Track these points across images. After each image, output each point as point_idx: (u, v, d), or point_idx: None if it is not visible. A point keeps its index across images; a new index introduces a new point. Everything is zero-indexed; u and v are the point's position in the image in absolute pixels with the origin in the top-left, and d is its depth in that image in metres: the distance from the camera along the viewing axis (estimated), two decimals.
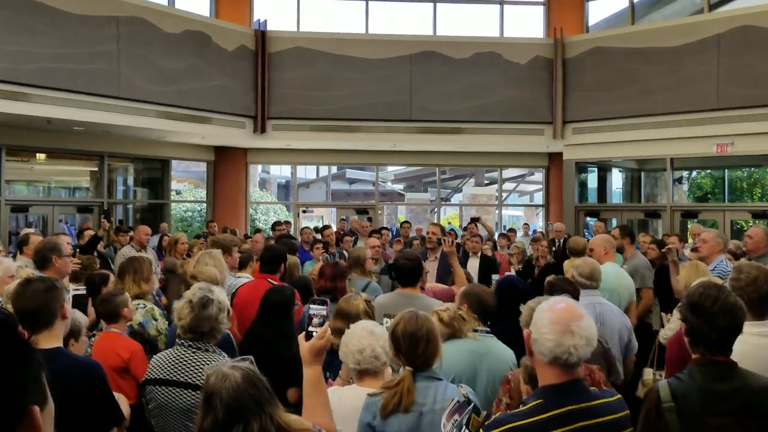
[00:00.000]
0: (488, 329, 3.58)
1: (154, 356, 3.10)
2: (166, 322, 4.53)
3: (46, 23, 9.74)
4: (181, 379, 2.89)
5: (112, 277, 4.72)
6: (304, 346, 2.44)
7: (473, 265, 7.69)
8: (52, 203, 12.81)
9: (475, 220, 11.16)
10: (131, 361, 3.82)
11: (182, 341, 2.99)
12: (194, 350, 2.96)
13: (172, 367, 2.95)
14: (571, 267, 4.69)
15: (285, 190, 24.69)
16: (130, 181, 15.11)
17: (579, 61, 12.96)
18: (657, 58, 11.95)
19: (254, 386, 1.94)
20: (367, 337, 2.73)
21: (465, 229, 10.91)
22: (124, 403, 3.37)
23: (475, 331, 3.47)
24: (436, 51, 13.12)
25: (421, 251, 7.10)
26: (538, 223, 18.86)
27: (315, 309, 2.50)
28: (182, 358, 2.96)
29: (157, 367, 3.00)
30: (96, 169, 13.13)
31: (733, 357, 2.45)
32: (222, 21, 12.94)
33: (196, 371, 2.88)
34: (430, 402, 2.55)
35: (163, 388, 2.93)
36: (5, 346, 1.01)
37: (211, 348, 3.00)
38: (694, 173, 15.66)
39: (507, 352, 3.48)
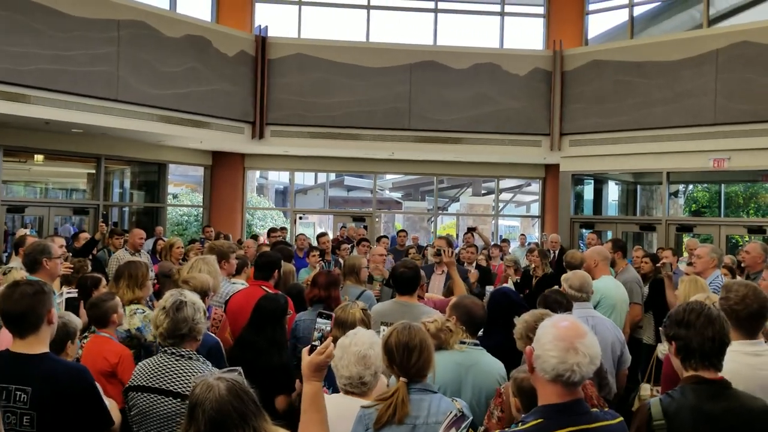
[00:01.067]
0: (477, 341, 3.56)
1: (138, 364, 3.10)
2: None
3: (46, 25, 9.75)
4: (163, 387, 2.88)
5: (103, 281, 4.71)
6: (305, 360, 2.42)
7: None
8: (49, 204, 12.79)
9: (471, 230, 11.17)
10: (119, 365, 3.81)
11: (164, 348, 3.00)
12: (177, 357, 2.96)
13: (154, 374, 2.94)
14: (562, 280, 4.70)
15: (282, 196, 24.69)
16: (127, 183, 15.10)
17: (578, 73, 13.01)
18: (655, 72, 12.00)
19: (239, 398, 1.93)
20: (356, 365, 2.71)
21: (470, 237, 10.91)
22: (114, 408, 3.36)
23: (463, 343, 3.46)
24: (436, 61, 13.16)
25: (425, 265, 7.08)
26: (534, 234, 18.89)
27: (320, 323, 2.49)
28: (164, 365, 2.96)
29: (140, 374, 2.99)
30: (93, 171, 13.12)
31: (725, 376, 2.45)
32: (223, 26, 12.95)
33: (177, 379, 2.89)
34: (424, 415, 2.53)
35: (145, 394, 2.92)
36: None
37: (194, 356, 3.00)
38: (690, 187, 15.68)
39: (495, 365, 3.46)
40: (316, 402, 2.42)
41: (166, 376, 2.90)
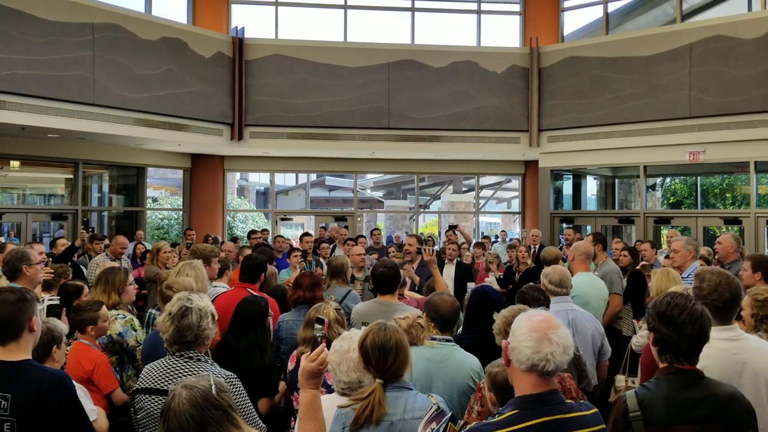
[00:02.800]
0: (450, 337, 3.59)
1: (146, 366, 3.07)
2: (145, 333, 4.51)
3: (20, 29, 9.64)
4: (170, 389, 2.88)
5: (86, 289, 4.68)
6: (300, 368, 2.42)
7: (449, 272, 7.74)
8: (26, 210, 12.65)
9: (453, 228, 11.22)
10: (93, 372, 3.80)
11: (172, 351, 2.99)
12: (186, 360, 2.96)
13: (162, 376, 2.94)
14: (542, 275, 4.75)
15: (264, 197, 24.62)
16: (106, 188, 14.96)
17: (554, 70, 13.12)
18: (630, 67, 12.14)
19: (198, 407, 1.94)
20: (356, 371, 2.71)
21: (451, 234, 10.96)
22: (102, 416, 3.35)
23: (434, 339, 3.48)
24: (414, 59, 13.20)
25: (401, 262, 7.12)
26: (515, 230, 19.01)
27: (315, 329, 2.48)
28: (172, 367, 2.95)
29: (148, 377, 2.99)
30: (71, 176, 12.99)
31: (701, 361, 2.48)
32: (199, 28, 12.87)
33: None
34: (400, 412, 2.54)
35: (153, 397, 2.92)
36: None
37: (203, 357, 2.99)
38: (668, 180, 15.88)
39: (468, 360, 3.48)
40: (312, 410, 2.40)
41: (174, 378, 2.89)
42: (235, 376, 3.00)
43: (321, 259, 9.04)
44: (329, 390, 3.23)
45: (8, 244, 5.89)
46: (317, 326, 2.48)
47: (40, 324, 2.84)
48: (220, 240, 11.88)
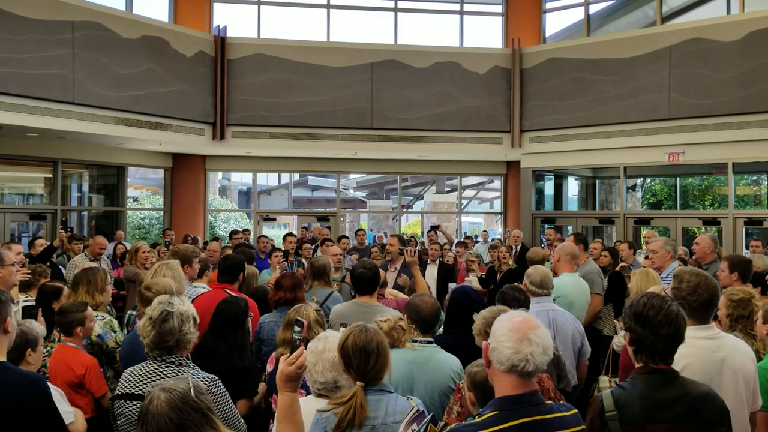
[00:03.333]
0: (431, 339, 3.59)
1: (126, 371, 3.02)
2: (124, 335, 4.47)
3: None
4: None
5: (65, 291, 4.63)
6: (278, 370, 2.41)
7: (431, 273, 7.76)
8: (4, 210, 12.48)
9: (435, 228, 11.24)
10: (86, 376, 3.77)
11: (153, 356, 2.95)
12: (167, 364, 2.92)
13: (142, 381, 2.90)
14: (524, 275, 4.77)
15: (246, 197, 24.50)
16: (85, 187, 14.81)
17: (536, 71, 13.19)
18: (611, 68, 12.24)
19: (177, 410, 1.92)
20: (331, 371, 2.71)
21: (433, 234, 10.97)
22: (80, 418, 3.31)
23: (415, 341, 3.49)
24: (397, 60, 13.21)
25: (383, 263, 7.13)
26: (498, 230, 19.08)
27: (295, 331, 2.47)
28: (153, 372, 2.91)
29: (128, 382, 2.94)
30: (50, 175, 12.84)
31: (681, 360, 2.52)
32: (180, 26, 12.78)
33: None
34: (381, 415, 2.54)
35: (134, 402, 2.88)
36: None
37: (184, 361, 2.96)
38: (648, 181, 16.03)
39: (449, 361, 3.48)
40: (290, 413, 2.39)
41: (155, 383, 2.83)
42: (217, 378, 2.97)
43: (303, 260, 9.02)
44: (308, 393, 3.22)
45: None
46: (296, 329, 2.46)
47: (14, 326, 2.80)
48: (200, 240, 11.81)
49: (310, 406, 2.67)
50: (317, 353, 2.73)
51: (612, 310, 6.64)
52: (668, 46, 11.64)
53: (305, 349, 2.53)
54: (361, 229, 11.54)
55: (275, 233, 17.81)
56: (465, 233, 15.79)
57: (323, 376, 2.71)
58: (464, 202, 17.29)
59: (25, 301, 4.53)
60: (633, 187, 14.92)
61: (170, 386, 1.97)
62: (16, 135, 11.08)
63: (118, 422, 2.94)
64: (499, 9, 14.67)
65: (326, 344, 2.74)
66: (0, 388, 2.57)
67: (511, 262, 8.33)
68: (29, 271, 5.31)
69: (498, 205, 18.70)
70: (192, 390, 1.99)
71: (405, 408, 2.55)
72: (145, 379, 2.91)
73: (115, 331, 4.38)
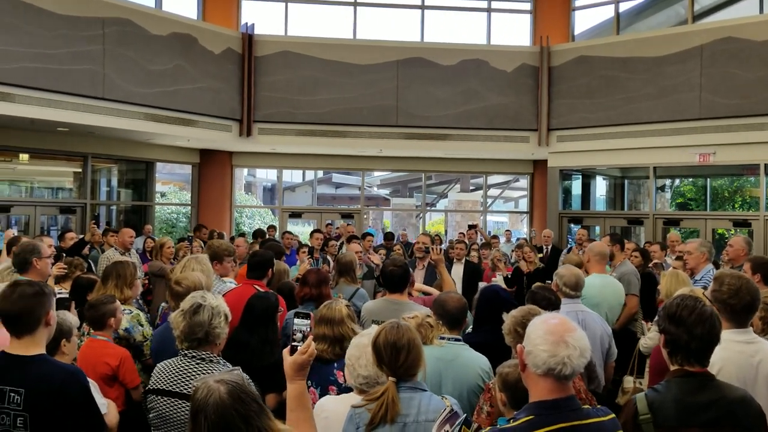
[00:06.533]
0: (459, 337, 3.58)
1: (158, 365, 3.04)
2: (151, 328, 4.51)
3: (31, 23, 9.66)
4: (183, 391, 2.85)
5: (98, 283, 4.69)
6: (287, 361, 2.43)
7: (457, 271, 7.73)
8: (35, 204, 12.69)
9: (473, 227, 11.21)
10: (120, 368, 3.81)
11: (184, 351, 2.96)
12: (197, 361, 2.93)
13: (173, 377, 2.92)
14: (554, 275, 4.73)
15: (270, 193, 24.66)
16: (114, 182, 15.01)
17: (564, 69, 13.07)
18: (641, 67, 12.09)
19: (240, 401, 1.91)
20: (375, 366, 2.70)
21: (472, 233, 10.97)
22: (113, 409, 3.35)
23: (443, 338, 3.47)
24: (423, 57, 13.18)
25: (410, 260, 7.12)
26: (523, 230, 18.97)
27: (298, 323, 2.49)
28: (184, 368, 2.92)
29: (159, 377, 2.96)
30: (80, 169, 13.03)
31: (716, 363, 2.50)
32: (209, 24, 12.89)
33: None
34: (414, 413, 2.53)
35: (165, 398, 2.90)
36: None
37: (214, 358, 2.97)
38: (677, 181, 15.81)
39: (477, 360, 3.47)
40: (302, 401, 2.43)
41: (186, 380, 2.87)
42: (240, 369, 2.99)
43: (328, 257, 9.04)
44: (341, 390, 3.23)
45: (21, 236, 5.90)
46: (304, 321, 2.48)
47: (56, 318, 2.84)
48: (226, 236, 11.86)
49: (345, 403, 2.68)
50: (361, 347, 2.74)
51: (641, 311, 6.55)
52: (699, 45, 11.47)
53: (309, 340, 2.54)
54: (390, 232, 11.55)
55: (299, 230, 17.87)
56: (490, 232, 15.70)
57: (366, 370, 2.72)
58: (489, 200, 17.18)
59: (59, 293, 4.58)
60: (662, 188, 14.72)
61: (226, 378, 1.96)
62: (47, 130, 11.25)
63: (150, 416, 2.97)
64: (527, 6, 14.57)
65: (370, 339, 2.75)
66: (40, 379, 2.61)
67: (537, 261, 8.26)
68: (65, 267, 5.38)
69: (523, 204, 18.60)
70: (246, 380, 2.00)
71: (438, 407, 2.54)
72: (176, 376, 2.92)
73: (142, 325, 4.41)
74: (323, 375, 3.38)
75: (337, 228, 12.80)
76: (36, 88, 9.78)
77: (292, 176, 24.74)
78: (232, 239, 9.93)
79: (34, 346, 2.70)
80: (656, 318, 2.68)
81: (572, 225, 13.85)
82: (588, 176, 14.99)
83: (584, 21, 14.44)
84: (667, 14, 14.03)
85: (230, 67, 12.67)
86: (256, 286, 4.81)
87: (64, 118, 10.29)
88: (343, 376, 3.17)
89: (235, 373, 2.06)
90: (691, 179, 15.72)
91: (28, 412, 2.59)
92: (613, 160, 13.01)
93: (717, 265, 6.40)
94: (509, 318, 3.41)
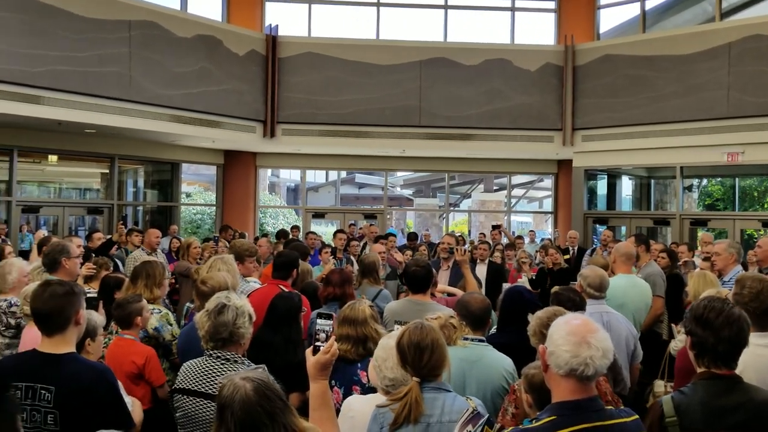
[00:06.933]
0: (482, 338, 3.57)
1: (184, 365, 3.07)
2: (180, 327, 4.56)
3: (58, 26, 9.82)
4: (208, 391, 2.88)
5: (126, 282, 4.75)
6: (311, 360, 2.46)
7: (480, 272, 7.70)
8: (63, 204, 12.90)
9: (497, 227, 11.17)
10: (146, 366, 3.85)
11: (209, 352, 2.99)
12: (222, 361, 2.95)
13: (199, 377, 2.94)
14: (579, 276, 4.69)
15: (294, 194, 24.77)
16: (140, 183, 15.21)
17: (589, 68, 12.95)
18: (668, 65, 11.94)
19: (266, 398, 1.93)
20: (401, 369, 2.71)
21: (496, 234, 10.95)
22: (138, 407, 3.39)
23: (466, 339, 3.47)
24: (447, 57, 13.15)
25: (434, 260, 7.11)
26: (547, 230, 18.84)
27: (320, 324, 2.51)
28: (209, 368, 2.95)
29: (185, 377, 2.99)
30: (107, 170, 13.22)
31: (738, 366, 2.45)
32: (233, 26, 13.00)
33: None
34: (437, 414, 2.53)
35: (191, 398, 2.93)
36: None
37: (239, 359, 2.98)
38: (704, 181, 15.60)
39: (501, 361, 3.45)
40: (325, 400, 2.46)
41: (211, 380, 2.89)
42: (264, 367, 3.01)
43: (351, 257, 9.05)
44: (364, 389, 3.23)
45: (52, 236, 6.01)
46: (327, 321, 2.51)
47: (85, 318, 2.89)
48: (247, 236, 11.93)
49: (370, 403, 2.70)
50: (388, 349, 2.74)
51: (666, 312, 6.47)
52: (727, 42, 11.29)
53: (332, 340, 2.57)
54: (413, 233, 11.54)
55: (322, 230, 17.95)
56: (514, 232, 15.63)
57: (393, 373, 2.71)
58: (513, 200, 17.09)
59: (87, 292, 4.65)
60: (689, 188, 14.53)
61: (251, 375, 1.98)
62: (75, 131, 11.42)
63: (177, 415, 3.00)
64: (552, 5, 14.47)
65: (392, 345, 2.75)
66: (69, 378, 2.65)
67: (562, 261, 8.21)
68: (94, 267, 5.47)
69: (547, 205, 18.47)
70: (270, 378, 2.03)
71: (462, 408, 2.53)
72: (202, 376, 2.95)
73: (170, 324, 4.46)
74: (347, 375, 3.39)
75: (360, 228, 12.81)
76: (64, 91, 9.94)
77: (315, 176, 24.84)
78: (256, 239, 9.99)
79: (65, 345, 2.74)
80: (683, 319, 2.66)
81: (597, 225, 13.73)
82: (613, 176, 14.85)
83: (609, 19, 14.32)
84: (694, 12, 13.85)
85: (254, 68, 12.76)
86: (281, 286, 4.84)
87: (92, 120, 10.44)
88: (367, 376, 3.18)
89: (259, 371, 2.09)
90: (719, 179, 15.51)
91: (58, 410, 2.63)
92: (639, 159, 12.86)
93: (746, 267, 6.32)
94: (534, 319, 3.39)
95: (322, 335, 2.50)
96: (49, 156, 12.52)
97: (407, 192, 26.98)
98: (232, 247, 5.56)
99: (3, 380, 1.07)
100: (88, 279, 5.36)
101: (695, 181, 15.06)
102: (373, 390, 2.95)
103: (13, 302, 4.31)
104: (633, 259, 5.95)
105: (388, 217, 16.72)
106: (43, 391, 2.64)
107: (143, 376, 3.86)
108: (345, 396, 3.22)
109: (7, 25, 9.28)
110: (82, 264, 5.28)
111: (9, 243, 7.56)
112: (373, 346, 3.15)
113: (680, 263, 7.08)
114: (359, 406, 2.82)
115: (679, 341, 4.74)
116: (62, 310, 2.72)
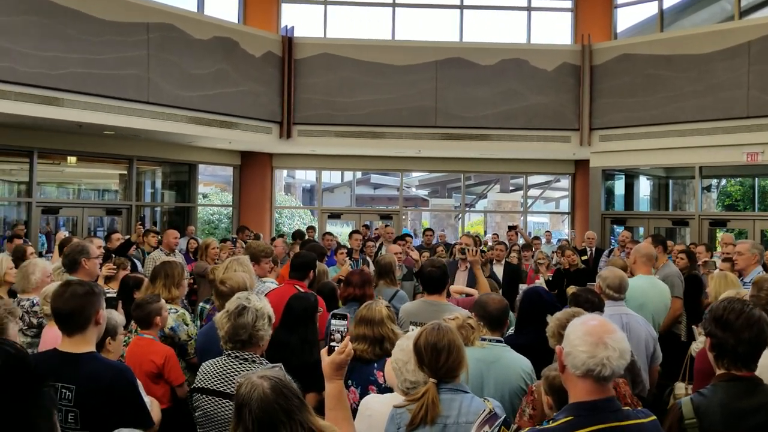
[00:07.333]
0: (500, 338, 3.56)
1: (203, 364, 3.10)
2: (196, 327, 4.59)
3: (77, 29, 9.93)
4: (227, 390, 2.90)
5: (146, 282, 4.80)
6: (326, 360, 2.48)
7: (497, 272, 7.68)
8: (82, 205, 13.03)
9: (513, 228, 11.13)
10: (165, 365, 3.88)
11: (228, 352, 3.01)
12: (241, 361, 2.97)
13: (218, 377, 2.97)
14: (597, 277, 4.65)
15: (310, 194, 24.84)
16: (158, 184, 15.32)
17: (607, 67, 12.87)
18: (686, 65, 11.83)
19: (283, 396, 1.95)
20: (420, 371, 2.70)
21: (512, 234, 10.92)
22: (155, 407, 3.42)
23: (484, 339, 3.46)
24: (462, 57, 13.12)
25: (450, 261, 7.09)
26: (564, 231, 18.74)
27: (335, 324, 2.52)
28: (228, 368, 2.97)
29: (204, 376, 3.01)
30: (125, 172, 13.33)
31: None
32: (250, 27, 13.07)
33: None
34: (454, 414, 2.53)
35: (210, 397, 2.95)
36: (16, 388, 1.02)
37: (257, 359, 3.01)
38: (723, 181, 15.44)
39: (520, 362, 3.44)
40: (341, 400, 2.49)
41: (230, 380, 2.91)
42: (281, 366, 3.02)
43: (367, 257, 9.05)
44: (380, 389, 3.24)
45: (73, 237, 6.08)
46: (341, 322, 2.52)
47: (105, 317, 2.92)
48: (262, 237, 11.96)
49: (386, 404, 2.70)
50: (408, 351, 2.72)
51: (685, 314, 6.41)
52: (747, 41, 11.18)
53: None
54: (430, 229, 11.51)
55: (338, 230, 18.00)
56: (530, 233, 15.56)
57: (414, 375, 2.70)
58: (529, 201, 17.01)
59: (107, 293, 4.70)
60: (708, 188, 14.38)
61: (268, 374, 2.00)
62: (94, 133, 11.53)
63: (196, 414, 3.02)
64: (568, 4, 14.40)
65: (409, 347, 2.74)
66: (90, 377, 2.69)
67: (580, 263, 8.16)
68: (114, 267, 5.52)
69: (564, 205, 18.37)
70: (287, 377, 2.05)
71: (479, 409, 2.53)
72: (221, 375, 2.97)
73: (187, 324, 4.49)
74: (363, 375, 3.39)
75: (376, 229, 12.83)
76: (84, 93, 10.05)
77: (330, 177, 24.89)
78: (272, 240, 10.03)
79: (85, 344, 2.77)
80: (702, 320, 2.64)
81: (615, 226, 13.63)
82: (631, 176, 14.74)
83: (627, 18, 14.22)
84: (712, 10, 13.72)
85: (270, 70, 12.81)
86: (297, 287, 4.86)
87: (111, 122, 10.55)
88: (383, 376, 3.19)
89: (276, 369, 2.11)
90: (738, 179, 15.34)
91: (78, 408, 2.66)
92: (658, 159, 12.75)
93: (766, 268, 6.24)
94: (553, 320, 3.37)
95: (337, 335, 2.52)
96: (69, 157, 12.64)
97: (423, 192, 26.96)
98: (247, 248, 5.59)
99: (40, 376, 1.09)
100: (107, 279, 5.42)
101: (714, 182, 14.91)
102: (389, 390, 2.95)
103: (35, 302, 4.36)
104: (653, 259, 5.90)
105: (404, 217, 16.71)
106: (64, 390, 2.67)
107: (162, 376, 3.89)
108: (362, 396, 3.23)
109: (27, 29, 9.40)
110: (102, 264, 5.33)
111: (30, 244, 7.64)
112: (389, 346, 3.16)
113: (699, 264, 7.00)
114: (377, 406, 2.82)
115: (700, 343, 4.69)
116: (82, 309, 2.75)
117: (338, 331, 2.52)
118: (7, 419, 0.99)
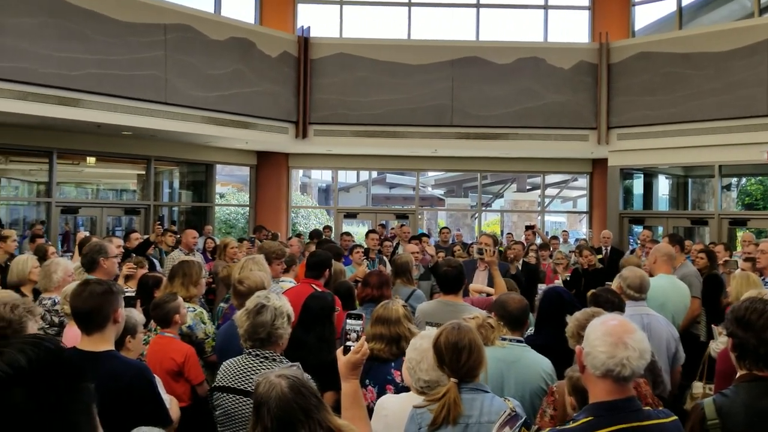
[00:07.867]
0: (521, 338, 3.54)
1: (224, 363, 3.11)
2: (214, 326, 4.61)
3: (95, 30, 10.01)
4: (247, 388, 2.90)
5: (164, 281, 4.83)
6: (342, 360, 2.48)
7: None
8: (101, 205, 13.15)
9: (530, 228, 11.08)
10: (185, 364, 3.90)
11: (248, 350, 3.03)
12: (261, 359, 2.99)
13: (239, 375, 2.98)
14: (618, 277, 4.61)
15: (325, 194, 24.89)
16: (176, 184, 15.43)
17: (625, 65, 12.77)
18: (705, 63, 11.71)
19: (301, 395, 1.97)
20: (437, 370, 2.69)
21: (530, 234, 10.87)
22: (174, 405, 3.44)
23: (504, 339, 3.44)
24: (479, 56, 13.08)
25: (468, 260, 7.07)
26: (582, 230, 18.62)
27: (351, 324, 2.53)
28: (249, 366, 2.98)
29: (225, 375, 3.03)
30: (143, 172, 13.44)
31: None
32: (266, 28, 13.12)
33: None
34: (476, 414, 2.52)
35: (230, 395, 2.97)
36: (57, 384, 1.03)
37: (278, 357, 3.02)
38: (743, 180, 15.27)
39: (540, 362, 3.42)
40: (357, 399, 2.49)
41: (250, 378, 2.92)
42: (299, 365, 3.02)
43: (384, 257, 9.04)
44: (398, 389, 3.23)
45: (93, 237, 6.14)
46: (357, 321, 2.52)
47: (124, 316, 2.94)
48: (280, 236, 11.98)
49: (405, 403, 2.69)
50: (421, 351, 2.72)
51: (704, 314, 6.35)
52: (766, 39, 11.04)
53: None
54: (446, 228, 11.48)
55: (354, 230, 18.03)
56: (547, 233, 15.47)
57: (428, 375, 2.70)
58: (546, 200, 16.93)
59: (126, 291, 4.74)
60: (728, 187, 14.22)
61: (286, 373, 2.02)
62: (112, 133, 11.63)
63: (216, 413, 3.03)
64: (585, 2, 14.30)
65: (430, 342, 2.73)
66: (108, 375, 2.70)
67: (597, 262, 8.11)
68: (134, 267, 5.57)
69: (582, 204, 18.26)
70: (304, 376, 2.06)
71: (500, 408, 2.52)
72: (241, 373, 2.98)
73: (204, 323, 4.51)
74: (380, 374, 3.39)
75: (392, 229, 12.83)
76: (102, 94, 10.13)
77: (346, 177, 24.92)
78: (288, 239, 10.05)
79: (104, 343, 2.80)
80: (724, 320, 2.61)
81: (633, 225, 13.52)
82: (650, 175, 14.61)
83: (645, 16, 14.11)
84: (731, 8, 13.57)
85: (286, 70, 12.85)
86: (314, 285, 4.87)
87: (129, 122, 10.63)
88: (401, 375, 3.18)
89: (293, 368, 2.12)
90: (758, 178, 15.16)
91: (98, 407, 2.67)
92: (676, 158, 12.64)
93: None
94: (572, 321, 3.35)
95: (353, 335, 2.52)
96: (88, 158, 12.76)
97: (439, 192, 26.91)
98: (260, 249, 5.60)
99: (80, 372, 1.11)
100: (127, 278, 5.46)
101: (734, 180, 14.75)
102: (406, 389, 2.94)
103: (57, 301, 4.41)
104: (674, 259, 5.85)
105: (420, 217, 16.69)
106: None
107: (183, 374, 3.91)
108: (379, 395, 3.22)
109: (45, 30, 9.50)
110: (121, 264, 5.38)
111: (50, 243, 7.73)
112: (406, 345, 3.15)
113: (720, 263, 6.93)
114: (393, 406, 2.82)
115: (720, 343, 4.64)
116: (101, 308, 2.78)
117: (354, 331, 2.52)
118: (47, 415, 1.00)
